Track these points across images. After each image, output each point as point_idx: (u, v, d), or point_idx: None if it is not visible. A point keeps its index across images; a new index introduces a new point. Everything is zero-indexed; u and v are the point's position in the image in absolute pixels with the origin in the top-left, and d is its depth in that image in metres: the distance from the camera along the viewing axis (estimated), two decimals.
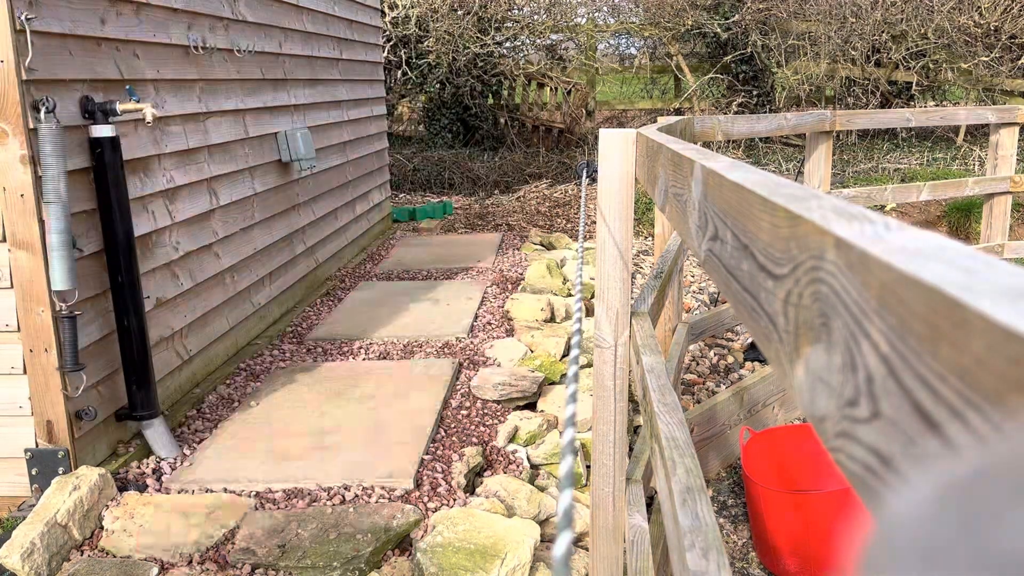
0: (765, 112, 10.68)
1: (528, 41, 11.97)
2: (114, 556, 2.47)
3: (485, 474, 2.97)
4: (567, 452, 0.59)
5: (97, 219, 2.93)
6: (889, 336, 0.34)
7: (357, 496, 2.75)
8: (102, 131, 2.87)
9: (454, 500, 2.74)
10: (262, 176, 4.47)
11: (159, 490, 2.83)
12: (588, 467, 2.87)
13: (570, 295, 4.94)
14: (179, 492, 2.81)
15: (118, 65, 3.11)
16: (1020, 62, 9.75)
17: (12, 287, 2.70)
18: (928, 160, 9.56)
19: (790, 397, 3.61)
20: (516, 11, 11.61)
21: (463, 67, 10.75)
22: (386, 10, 10.13)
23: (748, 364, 4.67)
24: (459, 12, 10.58)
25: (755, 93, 10.92)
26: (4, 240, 2.68)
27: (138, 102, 2.95)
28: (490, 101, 11.40)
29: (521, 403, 3.52)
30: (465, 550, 2.37)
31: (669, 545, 1.20)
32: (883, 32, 9.86)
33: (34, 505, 2.58)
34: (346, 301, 5.04)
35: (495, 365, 3.87)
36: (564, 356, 3.97)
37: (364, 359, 4.06)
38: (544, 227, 7.65)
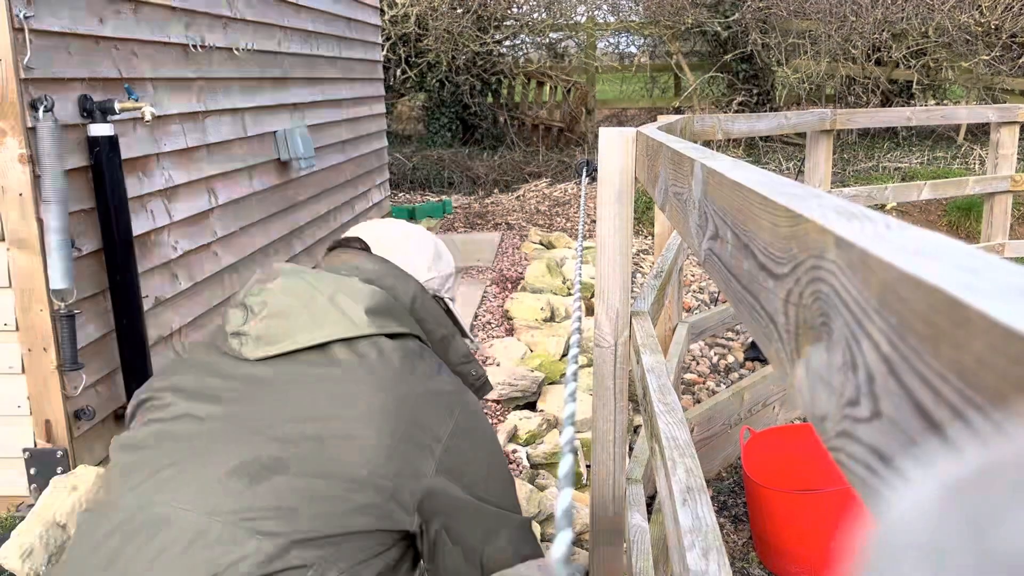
0: (765, 111, 10.67)
1: (528, 39, 11.97)
2: None
3: None
4: (567, 451, 0.58)
5: (96, 218, 2.93)
6: (890, 335, 0.34)
7: None
8: (100, 130, 2.87)
9: None
10: (261, 175, 4.47)
11: None
12: (588, 467, 2.87)
13: (570, 294, 4.93)
14: None
15: (116, 64, 3.11)
16: (1021, 61, 9.75)
17: (11, 286, 2.70)
18: (929, 159, 9.56)
19: (791, 397, 3.61)
20: (516, 9, 11.60)
21: (462, 65, 10.74)
22: (385, 8, 10.12)
23: (749, 363, 4.67)
24: (458, 10, 10.57)
25: (755, 92, 10.91)
26: (3, 239, 2.68)
27: (137, 101, 2.95)
28: (489, 100, 11.39)
29: (521, 403, 3.52)
30: None
31: (669, 545, 1.19)
32: (883, 31, 9.85)
33: (32, 505, 2.58)
34: None
35: (495, 364, 3.87)
36: (564, 355, 3.97)
37: None
38: (544, 226, 7.65)
